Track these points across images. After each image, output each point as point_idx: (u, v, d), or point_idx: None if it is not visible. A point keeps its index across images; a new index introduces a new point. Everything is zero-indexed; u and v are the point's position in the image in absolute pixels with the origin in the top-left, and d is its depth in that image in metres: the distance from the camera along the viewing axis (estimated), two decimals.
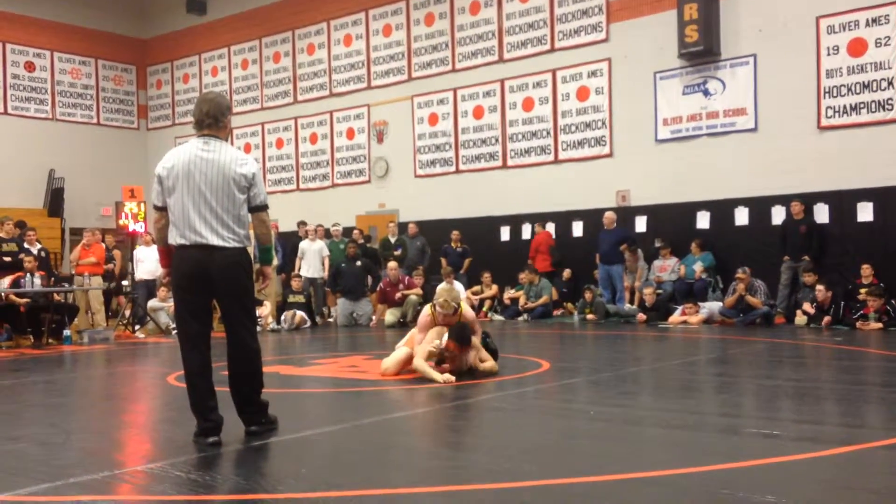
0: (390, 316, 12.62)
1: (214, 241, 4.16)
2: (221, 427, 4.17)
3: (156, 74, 21.64)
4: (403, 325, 12.09)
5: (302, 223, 15.21)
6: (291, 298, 12.73)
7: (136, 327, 12.48)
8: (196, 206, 4.17)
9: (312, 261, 13.73)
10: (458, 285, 13.30)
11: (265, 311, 12.02)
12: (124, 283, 13.37)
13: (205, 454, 3.95)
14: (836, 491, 3.17)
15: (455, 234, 14.75)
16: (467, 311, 6.56)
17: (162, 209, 4.29)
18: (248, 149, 19.30)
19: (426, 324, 6.51)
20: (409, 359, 6.69)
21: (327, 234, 14.76)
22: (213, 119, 4.31)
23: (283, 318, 12.36)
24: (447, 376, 6.02)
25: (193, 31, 20.52)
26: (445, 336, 6.23)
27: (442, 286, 6.43)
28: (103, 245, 13.23)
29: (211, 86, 20.06)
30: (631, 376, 6.62)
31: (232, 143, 21.25)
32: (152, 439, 4.66)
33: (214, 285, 4.20)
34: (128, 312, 12.86)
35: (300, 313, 12.53)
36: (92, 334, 11.16)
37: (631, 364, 7.53)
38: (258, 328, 11.66)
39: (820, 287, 10.68)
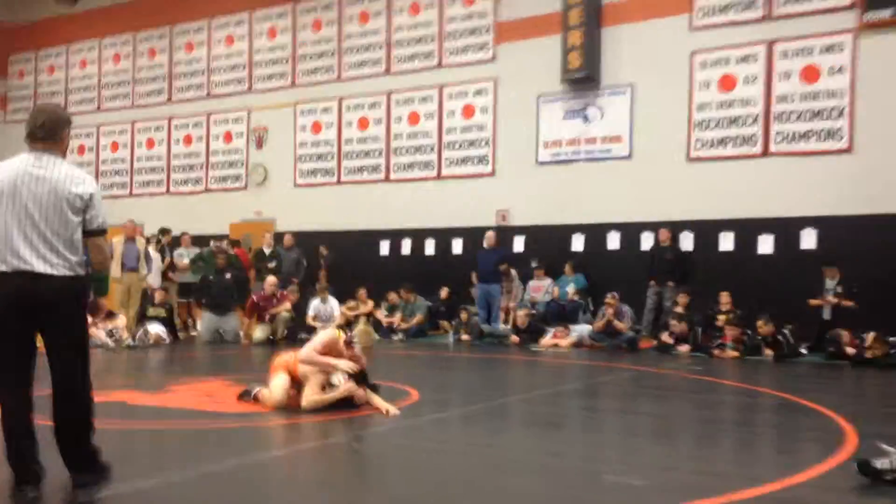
0: (260, 332, 11.99)
1: (41, 267, 3.73)
2: (42, 477, 3.74)
3: (18, 63, 20.14)
4: (272, 343, 11.59)
5: (164, 230, 14.34)
6: (151, 312, 11.88)
7: None
8: (21, 228, 3.73)
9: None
10: (333, 301, 12.99)
11: (121, 323, 11.19)
12: None
13: None
14: None
15: (323, 249, 14.57)
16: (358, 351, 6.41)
17: None
18: (115, 147, 18.28)
19: (335, 348, 6.17)
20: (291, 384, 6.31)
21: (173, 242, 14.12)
22: (48, 132, 3.89)
23: (137, 334, 11.35)
24: (349, 386, 5.87)
25: (63, 20, 19.22)
26: (341, 377, 5.98)
27: (362, 328, 6.25)
28: None
29: (78, 79, 18.89)
30: (500, 409, 6.53)
31: (98, 143, 19.77)
32: None
33: (39, 317, 3.76)
34: None
35: (155, 331, 11.55)
36: None
37: (500, 395, 7.46)
38: (111, 344, 10.85)
39: (674, 322, 11.05)
